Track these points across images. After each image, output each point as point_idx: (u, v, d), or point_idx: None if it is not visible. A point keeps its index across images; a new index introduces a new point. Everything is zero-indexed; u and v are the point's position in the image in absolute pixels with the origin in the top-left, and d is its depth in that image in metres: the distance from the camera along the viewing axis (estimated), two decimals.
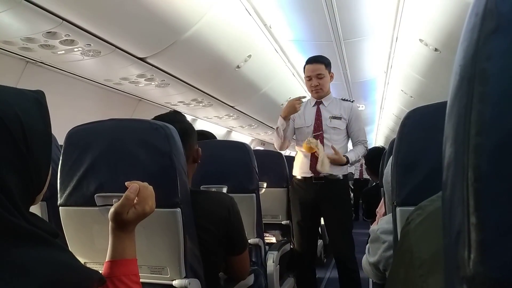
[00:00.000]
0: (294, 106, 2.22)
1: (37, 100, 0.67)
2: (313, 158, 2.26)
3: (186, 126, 1.30)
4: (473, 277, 0.23)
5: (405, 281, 0.45)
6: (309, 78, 2.33)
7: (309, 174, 2.28)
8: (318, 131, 2.29)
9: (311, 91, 2.36)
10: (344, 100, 2.42)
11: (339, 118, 2.30)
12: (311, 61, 2.33)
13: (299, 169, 2.35)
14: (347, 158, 2.22)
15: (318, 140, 2.20)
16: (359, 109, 2.44)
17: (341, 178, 2.29)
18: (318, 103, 2.37)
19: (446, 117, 0.29)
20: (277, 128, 2.32)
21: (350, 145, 2.47)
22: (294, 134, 2.43)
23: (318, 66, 2.30)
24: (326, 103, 2.35)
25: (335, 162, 2.19)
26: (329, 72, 2.35)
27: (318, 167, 2.15)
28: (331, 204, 2.26)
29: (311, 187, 2.27)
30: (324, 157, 2.15)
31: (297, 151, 2.44)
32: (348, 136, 2.36)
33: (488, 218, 0.23)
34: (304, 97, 2.32)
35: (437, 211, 0.42)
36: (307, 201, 2.30)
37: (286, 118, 2.27)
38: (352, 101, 2.42)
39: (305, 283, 2.39)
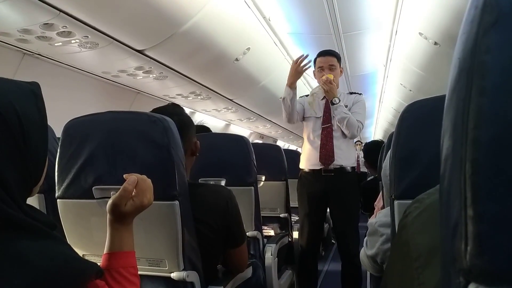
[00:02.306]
0: (297, 70, 2.20)
1: (32, 92, 0.67)
2: (322, 150, 2.25)
3: (184, 119, 1.29)
4: (470, 269, 0.23)
5: (402, 273, 0.45)
6: (321, 69, 2.32)
7: (318, 167, 2.26)
8: (327, 123, 2.28)
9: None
10: (352, 93, 2.42)
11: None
12: (324, 53, 2.34)
13: (307, 162, 2.33)
14: (339, 99, 2.23)
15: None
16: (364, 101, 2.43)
17: (350, 170, 2.29)
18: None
19: (444, 110, 0.28)
20: (284, 98, 2.26)
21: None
22: (303, 118, 2.41)
23: (330, 58, 2.31)
24: None
25: (328, 89, 2.22)
26: (340, 65, 2.36)
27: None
28: (340, 197, 2.25)
29: (320, 180, 2.26)
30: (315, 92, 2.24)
31: (304, 143, 2.43)
32: None
33: (485, 211, 0.23)
34: (307, 55, 2.25)
35: (434, 204, 0.42)
36: (316, 194, 2.29)
37: (291, 86, 2.22)
38: (360, 94, 2.42)
39: (307, 276, 2.40)
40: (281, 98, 2.29)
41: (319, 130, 2.29)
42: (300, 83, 2.34)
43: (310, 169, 2.31)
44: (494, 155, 0.23)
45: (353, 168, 2.32)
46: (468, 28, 0.26)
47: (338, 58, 2.34)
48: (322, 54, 2.34)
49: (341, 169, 2.24)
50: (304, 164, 2.36)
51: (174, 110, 1.28)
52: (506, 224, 0.22)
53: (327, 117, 2.30)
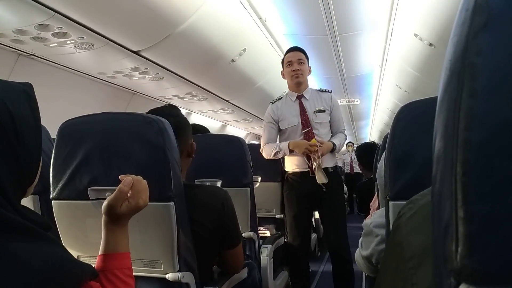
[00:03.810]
0: (305, 146, 2.20)
1: (25, 92, 0.67)
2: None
3: (180, 120, 1.29)
4: (460, 269, 0.24)
5: (395, 273, 0.46)
6: (289, 64, 2.33)
7: (306, 169, 2.28)
8: (306, 127, 2.29)
9: (291, 77, 2.32)
10: (322, 91, 2.41)
11: (323, 111, 2.31)
12: (292, 49, 2.38)
13: (294, 164, 2.34)
14: (333, 143, 2.27)
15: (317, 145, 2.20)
16: (338, 102, 2.46)
17: (331, 170, 2.31)
18: (299, 97, 2.35)
19: (436, 111, 0.29)
20: (277, 152, 2.29)
21: None
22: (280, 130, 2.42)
23: (299, 53, 2.34)
24: (307, 96, 2.35)
25: (326, 150, 2.22)
26: (308, 63, 2.38)
27: (318, 179, 2.18)
28: (327, 196, 2.28)
29: (308, 181, 2.27)
30: (319, 168, 2.19)
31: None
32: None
33: (475, 212, 0.23)
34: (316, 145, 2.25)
35: (427, 205, 0.42)
36: (304, 195, 2.30)
37: (291, 150, 2.27)
38: (330, 92, 2.42)
39: (299, 276, 2.40)
40: (275, 151, 2.30)
41: (301, 135, 2.29)
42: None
43: (298, 171, 2.32)
44: (484, 156, 0.23)
45: (334, 167, 2.35)
46: (459, 30, 0.26)
47: (307, 56, 2.37)
48: (290, 50, 2.38)
49: (325, 169, 2.26)
50: (291, 167, 2.37)
51: (170, 111, 1.28)
52: (496, 225, 0.23)
53: (306, 121, 2.30)
